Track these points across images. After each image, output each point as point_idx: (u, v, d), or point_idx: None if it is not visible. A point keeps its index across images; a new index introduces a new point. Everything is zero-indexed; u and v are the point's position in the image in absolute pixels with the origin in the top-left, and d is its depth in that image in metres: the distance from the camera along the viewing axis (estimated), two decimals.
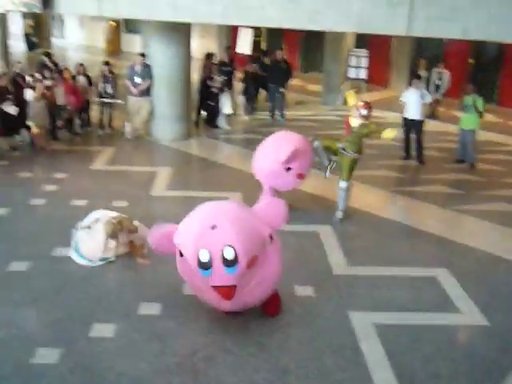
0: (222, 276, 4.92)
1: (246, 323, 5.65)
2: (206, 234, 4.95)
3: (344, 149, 7.90)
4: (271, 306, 5.80)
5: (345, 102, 8.13)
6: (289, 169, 7.62)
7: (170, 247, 5.32)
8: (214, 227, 4.93)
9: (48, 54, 13.19)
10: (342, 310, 5.99)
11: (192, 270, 5.12)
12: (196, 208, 5.41)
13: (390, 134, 7.59)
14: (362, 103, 7.84)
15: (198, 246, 4.97)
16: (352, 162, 7.96)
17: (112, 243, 6.73)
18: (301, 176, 7.81)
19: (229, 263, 4.85)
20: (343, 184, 8.03)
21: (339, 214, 8.15)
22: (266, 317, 5.74)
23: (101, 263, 6.78)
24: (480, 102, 10.70)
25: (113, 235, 6.62)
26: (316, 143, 7.99)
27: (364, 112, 7.77)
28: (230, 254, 4.83)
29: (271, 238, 5.23)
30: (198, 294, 5.54)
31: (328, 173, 8.16)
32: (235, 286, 4.99)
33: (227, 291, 5.01)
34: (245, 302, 5.37)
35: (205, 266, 4.94)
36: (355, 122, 7.84)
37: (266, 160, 7.75)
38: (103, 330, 5.49)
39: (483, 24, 6.60)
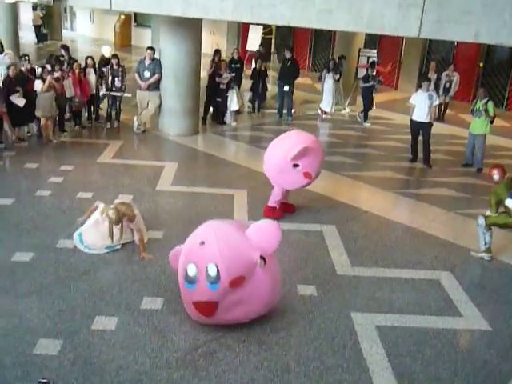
0: (204, 291, 5.10)
1: (247, 321, 5.66)
2: (195, 250, 5.20)
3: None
4: None
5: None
6: (296, 166, 7.56)
7: None
8: (202, 243, 5.14)
9: (65, 47, 13.19)
10: (344, 310, 5.99)
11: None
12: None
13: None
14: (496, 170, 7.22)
15: (187, 260, 5.22)
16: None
17: (116, 230, 6.77)
18: (307, 175, 7.66)
19: (211, 280, 5.03)
20: (481, 220, 7.31)
21: (484, 256, 7.39)
22: (267, 315, 5.75)
23: (106, 251, 6.82)
24: (491, 107, 10.65)
25: (117, 221, 6.66)
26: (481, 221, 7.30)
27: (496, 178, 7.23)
28: (212, 271, 5.03)
29: (263, 259, 5.23)
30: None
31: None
32: (216, 303, 5.14)
33: (207, 307, 5.18)
34: (224, 320, 5.39)
35: (190, 280, 5.17)
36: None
37: (275, 156, 7.74)
38: (105, 322, 5.52)
39: (495, 28, 6.55)
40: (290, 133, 8.12)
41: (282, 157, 7.57)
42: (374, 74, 14.44)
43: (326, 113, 14.79)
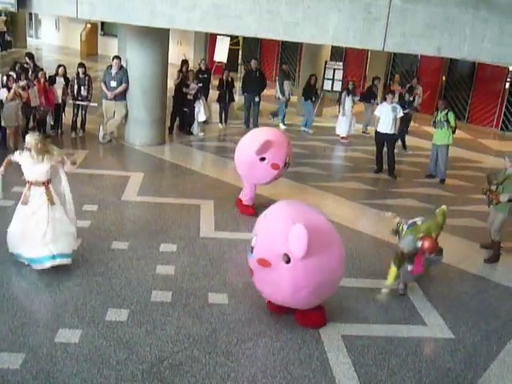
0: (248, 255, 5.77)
1: (214, 332, 5.63)
2: (261, 218, 5.82)
3: None
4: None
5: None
6: (263, 159, 7.86)
7: None
8: (264, 216, 5.71)
9: (30, 55, 12.98)
10: None
11: None
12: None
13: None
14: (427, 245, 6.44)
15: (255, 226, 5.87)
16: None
17: (46, 163, 6.65)
18: (275, 166, 8.05)
19: (250, 248, 5.65)
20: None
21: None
22: (234, 326, 5.74)
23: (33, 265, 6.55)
24: (452, 117, 10.88)
25: (39, 152, 6.58)
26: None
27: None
28: (253, 241, 5.62)
29: (287, 256, 5.30)
30: None
31: None
32: (252, 270, 5.73)
33: (248, 268, 5.83)
34: (260, 289, 5.87)
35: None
36: None
37: (244, 152, 8.09)
38: (69, 335, 5.41)
39: (457, 42, 6.74)
40: (255, 130, 8.53)
41: (250, 152, 7.88)
42: (411, 99, 13.68)
43: (344, 137, 13.88)
